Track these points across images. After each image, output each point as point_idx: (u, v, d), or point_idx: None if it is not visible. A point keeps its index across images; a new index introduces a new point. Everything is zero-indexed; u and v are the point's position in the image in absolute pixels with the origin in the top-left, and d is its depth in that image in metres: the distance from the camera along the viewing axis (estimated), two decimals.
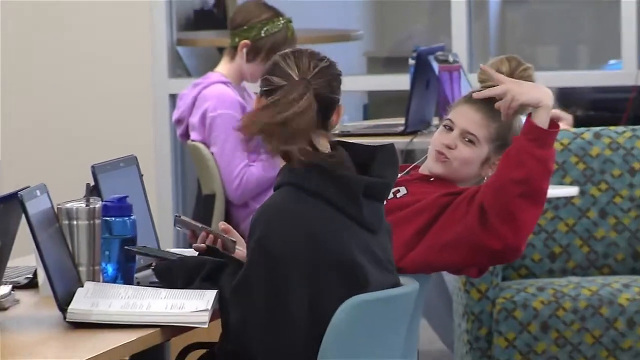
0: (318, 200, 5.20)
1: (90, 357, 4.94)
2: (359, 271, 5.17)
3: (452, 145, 6.52)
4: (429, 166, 6.45)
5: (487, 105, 6.72)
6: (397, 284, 5.35)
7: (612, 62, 10.13)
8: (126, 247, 5.65)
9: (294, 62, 5.43)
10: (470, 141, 6.64)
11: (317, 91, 5.27)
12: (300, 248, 5.12)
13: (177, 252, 5.97)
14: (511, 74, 6.88)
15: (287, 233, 5.15)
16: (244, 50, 8.00)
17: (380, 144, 5.58)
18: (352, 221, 5.20)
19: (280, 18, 8.14)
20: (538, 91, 6.49)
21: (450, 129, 6.69)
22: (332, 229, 5.18)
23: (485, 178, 6.55)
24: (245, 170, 8.02)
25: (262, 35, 7.98)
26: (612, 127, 8.24)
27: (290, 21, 8.15)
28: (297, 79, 5.30)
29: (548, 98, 6.40)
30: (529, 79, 6.99)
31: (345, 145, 5.39)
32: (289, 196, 5.22)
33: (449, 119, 6.79)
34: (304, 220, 5.18)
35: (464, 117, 6.72)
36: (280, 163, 5.54)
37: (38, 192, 5.37)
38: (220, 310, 5.32)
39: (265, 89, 5.32)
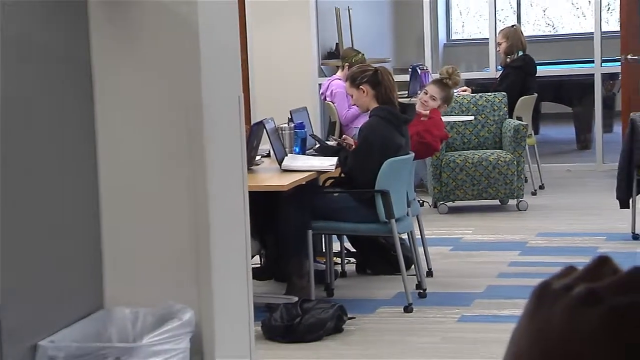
0: (387, 123, 5.21)
1: (293, 180, 4.94)
2: (401, 151, 5.18)
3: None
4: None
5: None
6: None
7: (485, 68, 9.95)
8: (310, 135, 5.72)
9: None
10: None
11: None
12: (380, 141, 5.14)
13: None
14: (450, 74, 6.77)
15: (375, 134, 5.19)
16: (347, 66, 7.93)
17: (409, 103, 5.74)
18: (398, 132, 5.22)
19: (360, 53, 8.07)
20: None
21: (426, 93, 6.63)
22: (392, 135, 5.21)
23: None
24: (346, 112, 7.97)
25: (353, 61, 7.88)
26: (487, 93, 8.10)
27: (364, 54, 8.08)
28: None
29: None
30: (458, 77, 6.88)
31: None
32: (376, 120, 5.23)
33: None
34: (381, 130, 5.21)
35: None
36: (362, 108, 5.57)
37: (270, 120, 5.44)
38: (339, 164, 5.29)
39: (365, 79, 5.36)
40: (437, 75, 7.49)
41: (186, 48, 2.84)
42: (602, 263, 0.66)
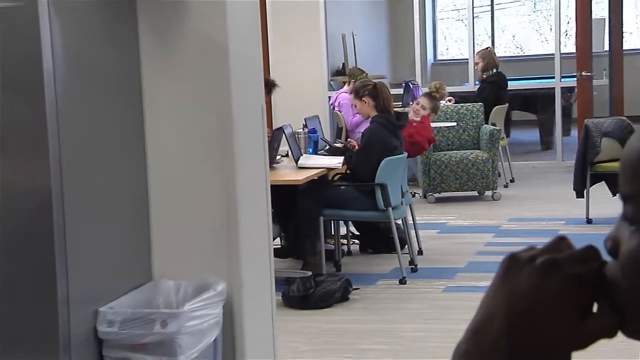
0: (385, 128, 5.17)
1: (307, 176, 4.88)
2: (397, 151, 5.13)
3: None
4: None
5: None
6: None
7: (466, 83, 9.90)
8: (321, 139, 5.67)
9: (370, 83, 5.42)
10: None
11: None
12: (379, 143, 5.11)
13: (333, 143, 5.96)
14: (438, 89, 6.74)
15: (375, 138, 5.14)
16: (352, 82, 7.86)
17: (403, 112, 5.68)
18: (394, 136, 5.18)
19: (364, 73, 7.98)
20: None
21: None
22: (389, 138, 5.17)
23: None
24: (351, 120, 7.90)
25: (358, 79, 7.80)
26: (467, 104, 8.06)
27: (367, 73, 7.98)
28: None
29: None
30: (444, 91, 6.86)
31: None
32: (376, 126, 5.20)
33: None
34: (380, 134, 5.16)
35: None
36: (364, 116, 5.51)
37: (288, 126, 5.37)
38: (345, 162, 5.26)
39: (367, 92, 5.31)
40: (426, 89, 7.47)
41: (218, 64, 2.83)
42: (561, 241, 0.67)
